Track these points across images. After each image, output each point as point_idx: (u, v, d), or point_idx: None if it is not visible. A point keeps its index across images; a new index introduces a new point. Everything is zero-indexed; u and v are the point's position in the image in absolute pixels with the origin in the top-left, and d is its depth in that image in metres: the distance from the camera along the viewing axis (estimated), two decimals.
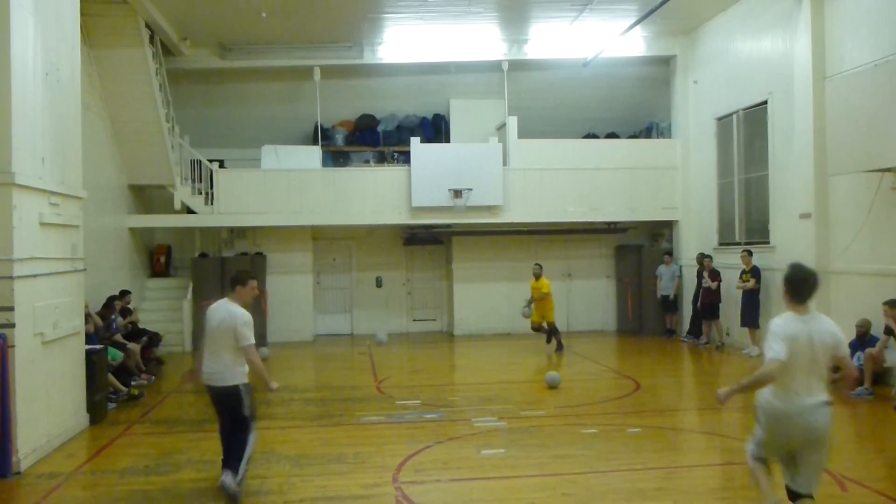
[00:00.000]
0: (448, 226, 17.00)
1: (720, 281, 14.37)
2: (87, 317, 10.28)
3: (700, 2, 14.51)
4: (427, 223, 16.75)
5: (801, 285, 4.93)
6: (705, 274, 14.42)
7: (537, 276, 14.57)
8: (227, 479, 5.98)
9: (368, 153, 18.54)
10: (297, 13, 14.35)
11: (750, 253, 13.44)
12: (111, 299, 12.44)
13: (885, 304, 9.91)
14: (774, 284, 13.24)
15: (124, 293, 13.43)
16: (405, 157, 17.15)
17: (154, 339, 13.49)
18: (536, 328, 14.85)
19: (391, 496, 6.25)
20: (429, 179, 15.95)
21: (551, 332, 14.67)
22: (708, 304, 14.56)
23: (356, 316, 17.96)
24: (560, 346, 14.41)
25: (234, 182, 16.12)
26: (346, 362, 14.41)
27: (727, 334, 14.53)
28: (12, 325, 7.09)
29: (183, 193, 15.90)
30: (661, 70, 17.31)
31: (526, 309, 14.77)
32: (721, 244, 15.09)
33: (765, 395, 4.91)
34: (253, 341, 6.32)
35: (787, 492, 5.04)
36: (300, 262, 17.16)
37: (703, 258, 14.95)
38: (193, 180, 16.18)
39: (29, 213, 7.53)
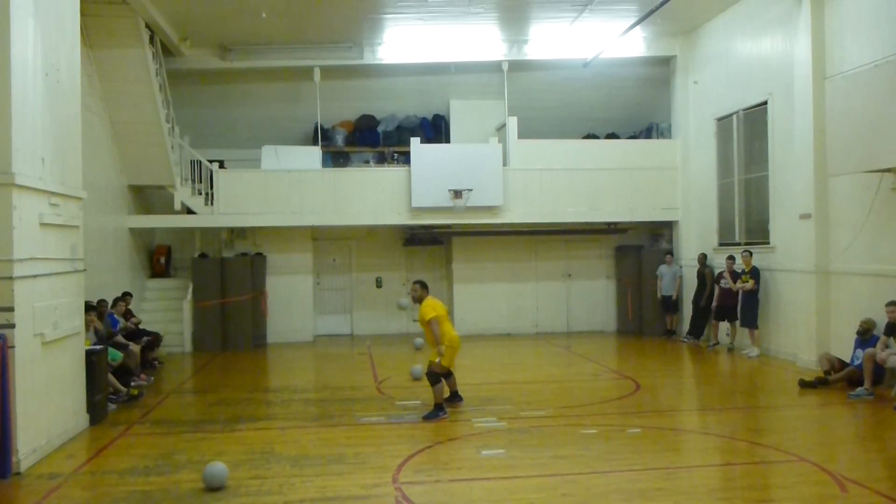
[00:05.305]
0: (448, 226, 17.00)
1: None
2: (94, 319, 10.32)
3: (700, 2, 14.51)
4: (427, 224, 16.74)
5: None
6: (726, 275, 13.99)
7: (418, 299, 9.45)
8: None
9: (368, 154, 18.56)
10: (297, 13, 14.35)
11: (750, 254, 13.45)
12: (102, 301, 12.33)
13: (889, 304, 9.91)
14: (774, 285, 13.27)
15: (126, 295, 13.43)
16: (405, 158, 17.15)
17: (155, 340, 13.52)
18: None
19: (391, 496, 6.24)
20: (429, 180, 15.95)
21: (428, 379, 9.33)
22: (730, 306, 14.01)
23: (356, 316, 17.96)
24: (437, 408, 9.07)
25: (234, 182, 16.12)
26: (346, 363, 14.41)
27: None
28: (12, 326, 7.09)
29: (183, 194, 15.91)
30: (661, 70, 17.31)
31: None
32: (721, 244, 15.09)
33: None
34: None
35: None
36: (300, 263, 17.17)
37: (703, 259, 15.09)
38: (193, 181, 16.19)
39: (29, 213, 7.53)
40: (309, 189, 16.16)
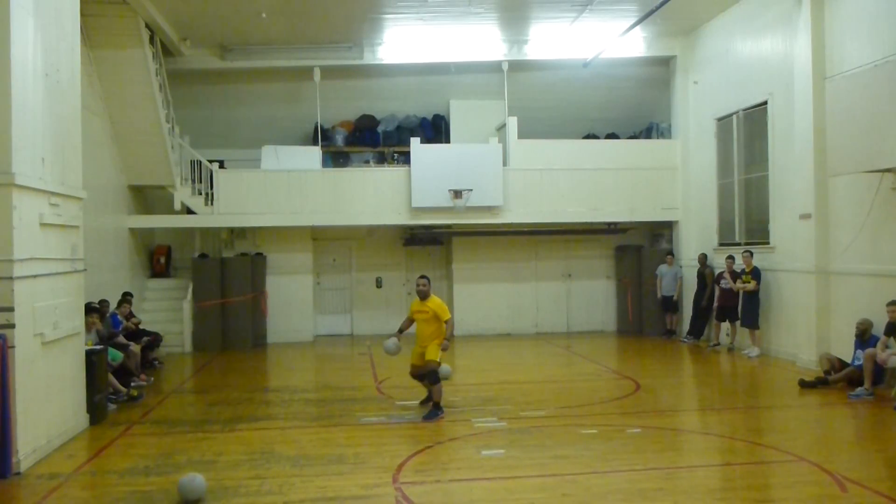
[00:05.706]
0: (448, 226, 17.00)
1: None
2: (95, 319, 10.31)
3: (700, 2, 14.51)
4: (427, 224, 16.74)
5: None
6: (726, 275, 13.97)
7: (427, 295, 9.40)
8: None
9: (368, 154, 18.56)
10: (297, 13, 14.35)
11: (751, 254, 13.45)
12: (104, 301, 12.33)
13: (889, 304, 9.91)
14: (775, 285, 13.27)
15: (128, 296, 13.41)
16: (405, 158, 17.15)
17: (155, 340, 13.51)
18: (417, 374, 9.58)
19: (391, 497, 6.24)
20: (429, 180, 15.95)
21: (428, 378, 9.27)
22: (731, 307, 13.98)
23: (356, 316, 17.95)
24: (436, 408, 9.07)
25: (234, 182, 16.11)
26: (346, 363, 14.41)
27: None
28: (12, 326, 7.08)
29: (183, 194, 15.91)
30: (661, 70, 17.32)
31: (392, 342, 9.61)
32: (721, 244, 15.08)
33: None
34: None
35: None
36: (300, 263, 17.16)
37: (704, 259, 15.11)
38: (193, 181, 16.19)
39: (29, 213, 7.52)
40: (309, 189, 16.15)
